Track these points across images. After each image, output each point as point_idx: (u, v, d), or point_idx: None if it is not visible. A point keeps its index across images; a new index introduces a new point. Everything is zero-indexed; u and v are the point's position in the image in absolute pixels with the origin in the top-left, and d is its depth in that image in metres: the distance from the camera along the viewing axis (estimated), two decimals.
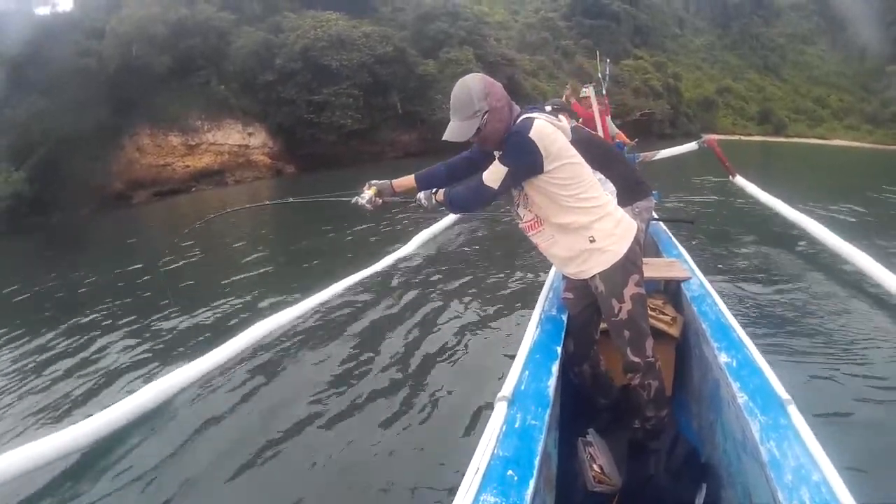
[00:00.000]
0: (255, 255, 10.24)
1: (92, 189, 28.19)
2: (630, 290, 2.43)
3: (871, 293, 5.68)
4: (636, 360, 2.46)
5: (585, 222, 2.39)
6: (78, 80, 28.96)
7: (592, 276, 2.47)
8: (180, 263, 9.80)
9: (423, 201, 2.66)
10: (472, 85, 2.32)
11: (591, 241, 2.41)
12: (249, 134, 35.20)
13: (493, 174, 2.35)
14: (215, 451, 3.64)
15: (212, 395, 4.33)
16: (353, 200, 2.87)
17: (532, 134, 2.24)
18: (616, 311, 2.44)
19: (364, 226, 11.24)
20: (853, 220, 9.92)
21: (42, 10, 33.77)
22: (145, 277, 9.15)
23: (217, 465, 3.50)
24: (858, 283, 5.96)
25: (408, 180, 2.82)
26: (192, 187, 32.20)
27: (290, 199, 4.72)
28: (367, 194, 2.83)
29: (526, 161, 2.29)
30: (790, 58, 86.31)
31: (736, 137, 61.87)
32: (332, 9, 38.03)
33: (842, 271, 6.34)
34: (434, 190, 2.64)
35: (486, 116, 2.30)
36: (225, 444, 3.70)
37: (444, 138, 2.37)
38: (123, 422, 3.70)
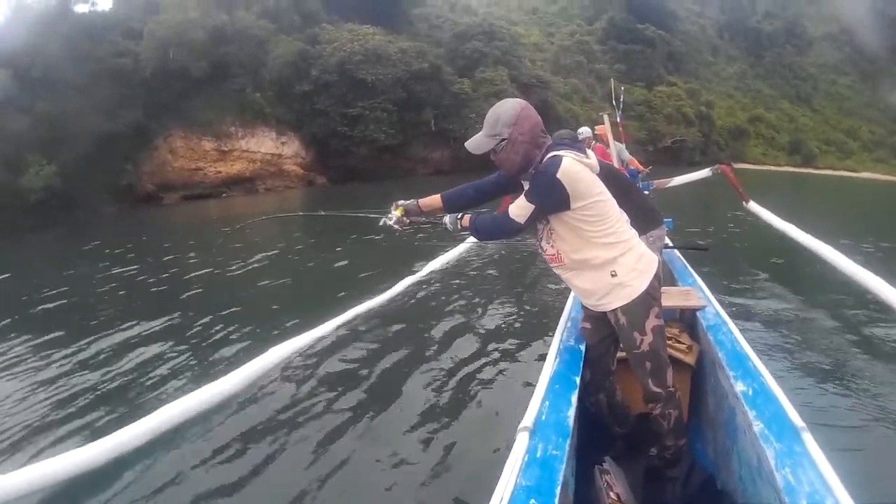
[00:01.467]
0: (280, 266, 10.30)
1: (122, 188, 28.65)
2: (651, 322, 2.45)
3: (887, 319, 5.62)
4: (658, 390, 2.49)
5: (609, 258, 2.41)
6: (113, 80, 29.56)
7: (613, 310, 2.49)
8: (211, 270, 9.80)
9: (448, 225, 2.66)
10: (507, 108, 2.38)
11: (613, 276, 2.42)
12: (282, 143, 35.44)
13: (520, 209, 2.37)
14: (224, 479, 3.57)
15: (226, 420, 4.24)
16: (381, 221, 2.85)
17: (560, 174, 2.25)
18: (638, 344, 2.46)
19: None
20: (881, 254, 9.88)
21: (81, 8, 34.36)
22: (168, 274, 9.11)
23: (229, 490, 3.46)
24: (874, 309, 5.91)
25: (434, 200, 2.79)
26: (223, 192, 32.44)
27: (322, 212, 4.62)
28: (394, 215, 2.80)
29: (552, 201, 2.32)
30: (822, 88, 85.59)
31: (766, 168, 61.42)
32: (369, 23, 38.35)
33: (857, 297, 6.23)
34: (460, 215, 2.64)
35: (502, 143, 2.36)
36: (236, 472, 3.64)
37: (465, 144, 2.47)
38: (137, 443, 3.56)
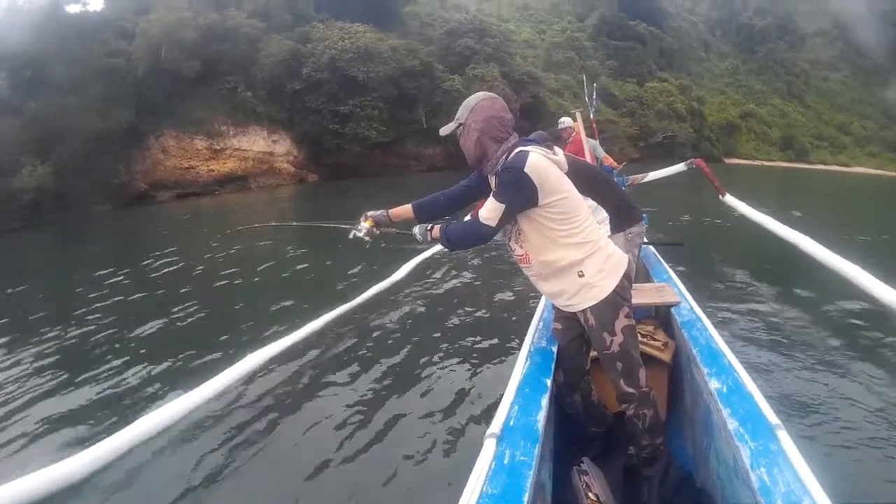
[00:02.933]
0: (265, 268, 10.17)
1: (115, 187, 28.67)
2: (621, 322, 2.43)
3: (865, 309, 5.62)
4: (630, 390, 2.46)
5: (575, 259, 2.39)
6: (106, 80, 29.73)
7: (583, 310, 2.47)
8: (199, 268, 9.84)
9: (417, 236, 2.64)
10: (472, 97, 2.47)
11: (581, 276, 2.41)
12: (274, 141, 35.58)
13: (490, 211, 2.35)
14: (211, 480, 3.60)
15: (207, 426, 4.24)
16: (351, 234, 2.81)
17: (527, 168, 2.24)
18: (608, 345, 2.44)
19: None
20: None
21: (73, 8, 34.40)
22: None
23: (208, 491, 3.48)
24: (851, 300, 5.88)
25: (405, 210, 2.78)
26: (216, 190, 32.53)
27: (294, 223, 4.59)
28: (363, 226, 2.78)
29: (521, 196, 2.30)
30: (814, 84, 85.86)
31: (758, 163, 61.63)
32: (360, 21, 38.41)
33: (835, 290, 6.08)
34: (429, 226, 2.61)
35: (460, 128, 2.44)
36: (210, 475, 3.66)
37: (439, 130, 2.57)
38: (124, 450, 3.60)
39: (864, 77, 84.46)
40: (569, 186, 2.39)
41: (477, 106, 2.40)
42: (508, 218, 2.37)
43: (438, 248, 8.41)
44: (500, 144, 2.40)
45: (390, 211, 2.81)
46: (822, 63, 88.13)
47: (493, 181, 2.48)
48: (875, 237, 11.33)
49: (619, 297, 2.43)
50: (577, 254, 2.39)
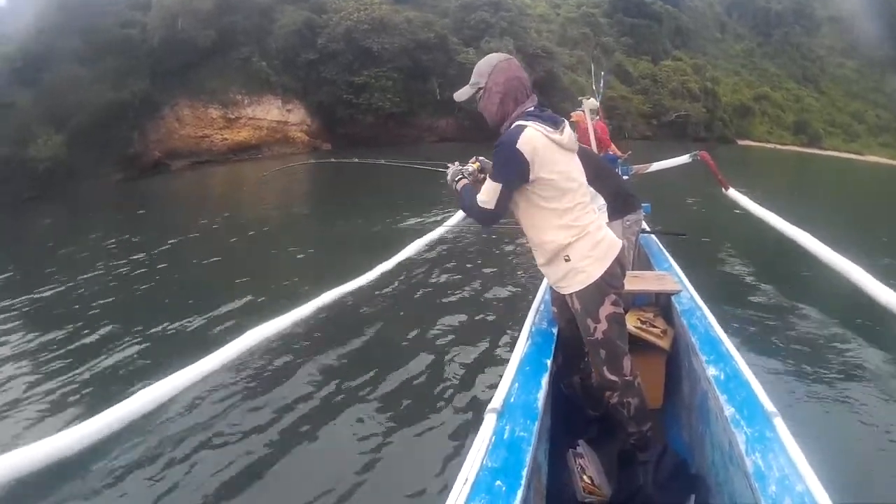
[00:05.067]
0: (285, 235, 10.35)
1: (129, 156, 28.78)
2: (606, 309, 2.42)
3: (862, 307, 5.55)
4: (613, 378, 2.46)
5: (562, 242, 2.38)
6: (120, 50, 29.68)
7: (570, 294, 2.47)
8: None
9: (448, 174, 2.68)
10: (487, 59, 2.45)
11: (567, 261, 2.40)
12: (288, 111, 35.57)
13: (488, 193, 2.35)
14: (205, 459, 3.66)
15: (202, 404, 4.30)
16: (451, 172, 2.72)
17: (519, 144, 2.24)
18: (592, 331, 2.44)
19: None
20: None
21: None
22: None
23: (206, 471, 3.53)
24: (849, 297, 5.82)
25: None
26: (230, 159, 32.64)
27: (382, 161, 4.59)
28: (470, 167, 2.72)
29: (514, 172, 2.29)
30: (829, 70, 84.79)
31: (771, 146, 61.20)
32: None
33: (833, 285, 6.12)
34: (460, 177, 2.64)
35: (480, 92, 2.42)
36: (213, 451, 3.73)
37: (454, 95, 2.54)
38: (112, 429, 3.55)
39: (881, 66, 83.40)
40: (566, 168, 2.38)
41: (497, 67, 2.39)
42: (508, 196, 2.34)
43: (443, 231, 8.47)
44: (521, 106, 2.39)
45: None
46: (838, 50, 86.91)
47: None
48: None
49: (607, 283, 2.42)
50: (563, 237, 2.38)
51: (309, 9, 36.56)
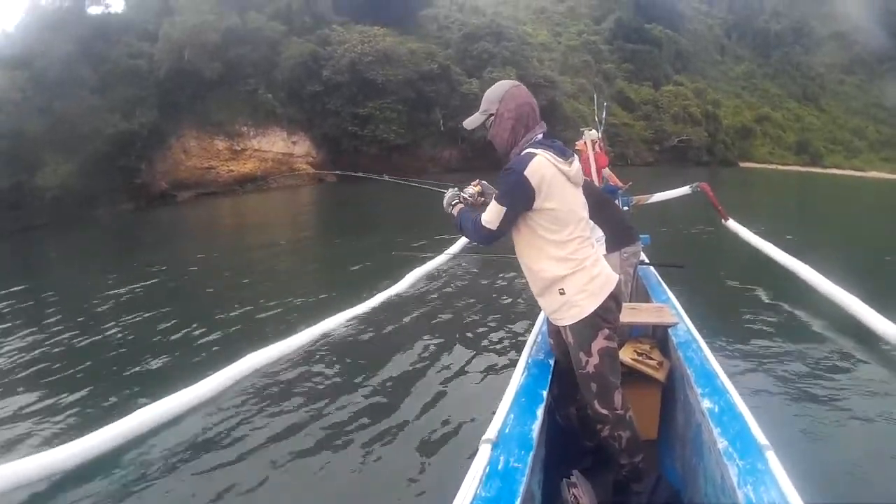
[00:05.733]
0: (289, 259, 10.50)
1: (137, 186, 29.11)
2: (598, 343, 2.41)
3: (861, 339, 5.64)
4: (604, 412, 2.46)
5: (557, 275, 2.39)
6: (128, 81, 30.20)
7: (564, 327, 2.49)
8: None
9: (445, 198, 2.68)
10: (497, 86, 2.47)
11: (562, 294, 2.41)
12: (294, 142, 36.01)
13: (492, 214, 2.35)
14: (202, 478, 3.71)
15: (202, 425, 4.35)
16: (459, 192, 2.74)
17: (528, 171, 2.25)
18: (583, 364, 2.44)
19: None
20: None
21: (94, 10, 34.68)
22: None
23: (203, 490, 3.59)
24: (848, 330, 5.90)
25: None
26: (235, 190, 32.92)
27: (385, 177, 4.62)
28: (471, 190, 2.73)
29: (519, 198, 2.30)
30: (830, 87, 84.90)
31: (773, 167, 61.37)
32: (379, 24, 38.65)
33: (832, 317, 6.24)
34: (456, 201, 2.66)
35: (491, 119, 2.43)
36: (205, 476, 3.76)
37: (463, 123, 2.55)
38: (117, 442, 3.70)
39: (880, 81, 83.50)
40: (571, 200, 2.39)
41: (508, 93, 2.40)
42: (511, 220, 2.36)
43: (444, 259, 8.63)
44: (531, 132, 2.40)
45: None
46: (838, 66, 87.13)
47: None
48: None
49: (600, 318, 2.41)
50: (559, 269, 2.38)
51: (314, 41, 37.07)
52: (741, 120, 68.30)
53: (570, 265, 2.38)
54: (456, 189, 2.76)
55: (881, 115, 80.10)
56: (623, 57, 63.51)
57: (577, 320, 2.41)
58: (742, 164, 59.35)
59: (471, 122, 2.49)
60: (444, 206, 2.69)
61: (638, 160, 47.98)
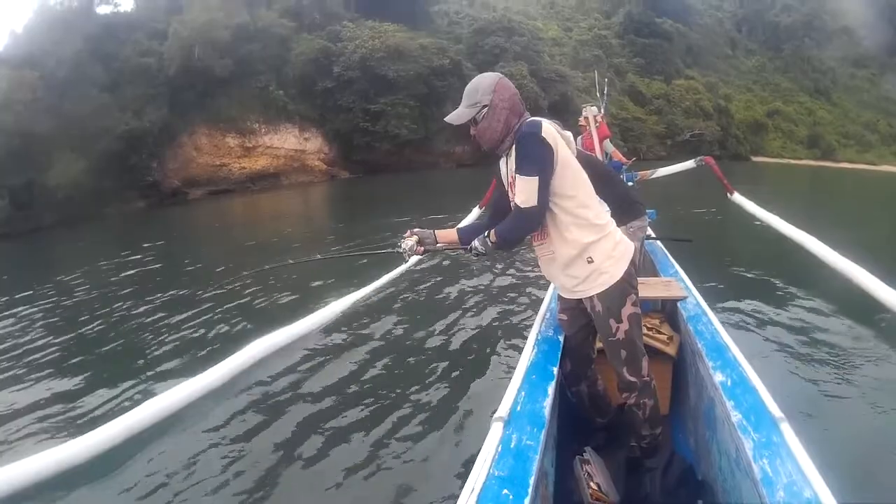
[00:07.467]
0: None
1: (148, 184, 29.19)
2: (627, 309, 2.43)
3: (869, 310, 5.48)
4: (632, 379, 2.47)
5: (585, 242, 2.36)
6: (139, 79, 30.29)
7: (590, 297, 2.46)
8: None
9: (479, 248, 2.53)
10: (485, 78, 2.40)
11: (590, 262, 2.39)
12: (306, 139, 35.94)
13: (525, 192, 2.28)
14: (215, 471, 3.63)
15: (207, 415, 4.27)
16: (395, 250, 2.73)
17: (543, 132, 2.24)
18: (614, 331, 2.44)
19: None
20: None
21: (103, 9, 34.90)
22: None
23: (216, 480, 3.52)
24: (856, 301, 5.80)
25: (450, 234, 2.73)
26: (248, 188, 32.95)
27: (318, 256, 4.45)
28: (408, 242, 2.67)
29: (547, 161, 2.27)
30: (841, 81, 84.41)
31: (785, 161, 61.01)
32: (389, 20, 38.59)
33: (840, 289, 6.06)
34: (486, 233, 2.52)
35: (484, 111, 2.34)
36: (223, 460, 3.71)
37: (444, 119, 2.50)
38: (122, 438, 3.51)
39: (893, 74, 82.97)
40: (576, 163, 2.38)
41: (497, 85, 2.36)
42: (546, 187, 2.29)
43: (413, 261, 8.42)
44: (520, 118, 2.37)
45: (437, 232, 2.73)
46: (849, 60, 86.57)
47: (504, 163, 2.50)
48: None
49: (628, 284, 2.43)
50: (586, 236, 2.36)
51: (325, 37, 37.05)
52: (753, 114, 67.92)
53: (596, 231, 2.38)
54: (398, 248, 2.70)
55: (893, 108, 79.59)
56: (634, 51, 63.37)
57: (606, 287, 2.41)
58: (754, 159, 58.96)
59: (458, 117, 2.42)
60: (484, 251, 2.54)
61: (651, 155, 47.59)
